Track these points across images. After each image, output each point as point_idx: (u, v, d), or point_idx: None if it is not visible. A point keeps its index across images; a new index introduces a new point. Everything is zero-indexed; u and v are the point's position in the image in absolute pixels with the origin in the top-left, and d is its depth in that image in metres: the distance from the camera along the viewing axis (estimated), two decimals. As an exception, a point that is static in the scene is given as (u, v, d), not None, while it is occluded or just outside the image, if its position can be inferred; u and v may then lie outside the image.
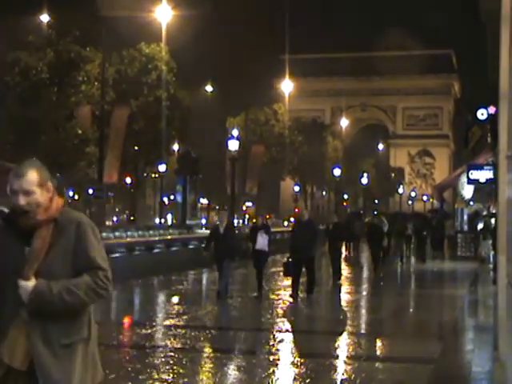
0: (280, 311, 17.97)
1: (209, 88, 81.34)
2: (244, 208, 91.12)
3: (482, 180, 26.49)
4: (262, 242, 20.00)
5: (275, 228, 52.13)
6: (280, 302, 19.50)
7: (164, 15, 46.71)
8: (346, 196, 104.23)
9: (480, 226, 37.28)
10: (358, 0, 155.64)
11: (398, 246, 35.58)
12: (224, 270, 19.33)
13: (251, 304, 19.33)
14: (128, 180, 65.85)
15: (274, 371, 11.23)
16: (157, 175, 72.69)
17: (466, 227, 41.77)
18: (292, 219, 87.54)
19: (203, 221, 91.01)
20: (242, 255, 22.40)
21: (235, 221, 59.07)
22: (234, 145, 44.15)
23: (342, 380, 10.68)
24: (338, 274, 24.69)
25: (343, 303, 20.38)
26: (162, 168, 62.18)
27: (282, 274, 21.22)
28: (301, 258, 19.60)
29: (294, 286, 19.67)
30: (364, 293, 23.63)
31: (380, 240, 29.20)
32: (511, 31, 9.64)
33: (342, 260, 28.59)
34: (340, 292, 22.57)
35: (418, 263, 34.94)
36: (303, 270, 20.00)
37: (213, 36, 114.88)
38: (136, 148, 52.87)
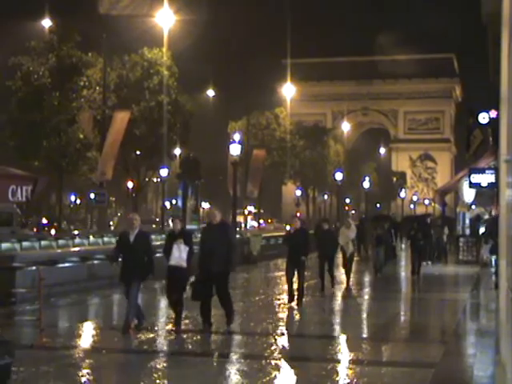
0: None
1: (210, 92, 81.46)
2: (246, 212, 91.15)
3: (484, 184, 26.46)
4: (177, 255, 14.97)
5: (276, 232, 51.95)
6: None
7: (166, 20, 46.73)
8: (347, 200, 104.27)
9: (482, 229, 37.14)
10: (359, 5, 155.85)
11: (376, 254, 29.88)
12: (131, 294, 14.49)
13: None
14: (130, 184, 65.87)
15: (275, 375, 11.22)
16: (159, 180, 72.72)
17: (467, 231, 41.66)
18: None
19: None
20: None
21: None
22: (235, 149, 44.07)
23: (343, 384, 10.68)
24: (299, 295, 19.36)
25: (343, 307, 20.27)
26: (164, 172, 62.17)
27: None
28: (210, 275, 14.75)
29: (204, 315, 15.04)
30: (365, 297, 23.61)
31: (332, 250, 23.18)
32: (511, 34, 9.64)
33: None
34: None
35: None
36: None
37: (214, 41, 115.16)
38: (138, 153, 52.89)
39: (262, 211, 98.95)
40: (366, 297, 23.58)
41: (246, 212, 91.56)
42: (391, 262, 34.19)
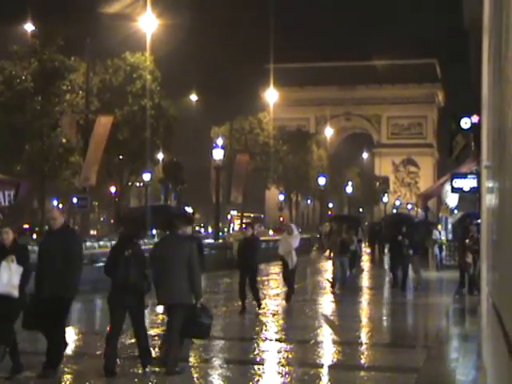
0: None
1: (193, 97, 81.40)
2: (229, 217, 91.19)
3: (466, 189, 26.51)
4: (5, 280, 10.57)
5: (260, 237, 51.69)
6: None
7: (148, 24, 46.69)
8: (330, 205, 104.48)
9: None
10: (342, 10, 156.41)
11: (339, 264, 25.36)
12: None
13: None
14: (113, 189, 65.71)
15: (259, 380, 11.21)
16: (142, 184, 72.56)
17: (450, 236, 41.82)
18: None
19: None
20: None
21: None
22: (218, 154, 44.10)
23: (326, 389, 10.68)
24: None
25: (328, 313, 20.23)
26: (147, 177, 62.04)
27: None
28: (41, 300, 10.88)
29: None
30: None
31: (253, 260, 18.92)
32: (491, 41, 9.70)
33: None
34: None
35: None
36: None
37: (197, 45, 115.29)
38: (120, 157, 52.74)
39: (263, 216, 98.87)
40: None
41: (229, 217, 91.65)
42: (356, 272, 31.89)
